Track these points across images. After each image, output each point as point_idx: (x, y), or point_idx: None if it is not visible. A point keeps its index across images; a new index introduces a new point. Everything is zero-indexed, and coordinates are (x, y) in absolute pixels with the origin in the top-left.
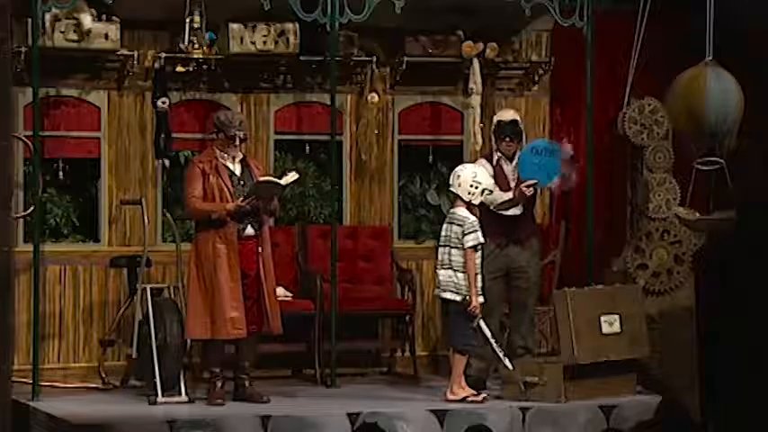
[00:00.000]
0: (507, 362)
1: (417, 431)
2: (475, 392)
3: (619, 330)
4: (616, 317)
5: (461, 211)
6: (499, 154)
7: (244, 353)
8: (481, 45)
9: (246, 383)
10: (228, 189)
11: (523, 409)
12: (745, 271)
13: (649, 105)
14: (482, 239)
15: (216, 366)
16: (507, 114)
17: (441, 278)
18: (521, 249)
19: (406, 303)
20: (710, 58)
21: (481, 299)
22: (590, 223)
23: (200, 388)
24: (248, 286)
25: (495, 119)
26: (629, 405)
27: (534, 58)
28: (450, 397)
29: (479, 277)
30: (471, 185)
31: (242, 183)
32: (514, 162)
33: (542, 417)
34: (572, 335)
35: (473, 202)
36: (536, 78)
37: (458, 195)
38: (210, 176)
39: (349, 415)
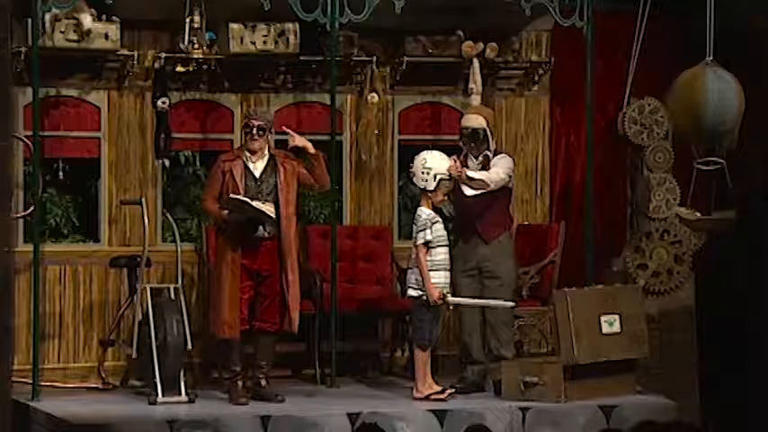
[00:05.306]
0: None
1: (417, 431)
2: (440, 390)
3: (619, 330)
4: (616, 317)
5: (420, 209)
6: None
7: (261, 352)
8: (481, 45)
9: (262, 383)
10: (239, 192)
11: (523, 409)
12: (745, 271)
13: (649, 105)
14: (429, 237)
15: (237, 365)
16: (464, 121)
17: (407, 276)
18: (487, 247)
19: (406, 303)
20: (710, 58)
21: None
22: (590, 223)
23: (200, 388)
24: (264, 285)
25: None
26: (629, 405)
27: (534, 58)
28: (416, 395)
29: (440, 274)
30: (423, 172)
31: (259, 184)
32: (479, 159)
33: (542, 417)
34: (572, 335)
35: (428, 188)
36: (536, 78)
37: (414, 184)
38: (227, 177)
39: (349, 415)
